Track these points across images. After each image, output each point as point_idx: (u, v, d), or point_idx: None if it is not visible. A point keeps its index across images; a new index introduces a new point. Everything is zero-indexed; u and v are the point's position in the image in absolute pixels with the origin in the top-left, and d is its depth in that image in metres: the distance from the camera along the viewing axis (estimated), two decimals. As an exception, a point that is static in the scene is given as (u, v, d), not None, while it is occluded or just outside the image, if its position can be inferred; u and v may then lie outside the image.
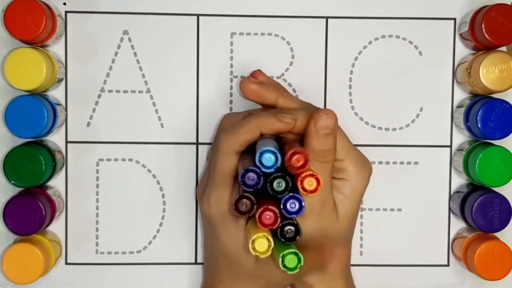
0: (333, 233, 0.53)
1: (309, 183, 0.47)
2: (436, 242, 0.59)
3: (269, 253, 0.46)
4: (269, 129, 0.51)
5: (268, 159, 0.46)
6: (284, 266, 0.46)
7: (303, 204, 0.47)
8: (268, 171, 0.46)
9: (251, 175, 0.47)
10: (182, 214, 0.59)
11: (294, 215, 0.47)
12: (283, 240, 0.47)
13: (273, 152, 0.46)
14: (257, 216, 0.46)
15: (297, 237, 0.47)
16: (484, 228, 0.56)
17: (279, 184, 0.47)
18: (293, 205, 0.47)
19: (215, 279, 0.54)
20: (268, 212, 0.46)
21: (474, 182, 0.57)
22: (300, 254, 0.46)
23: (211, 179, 0.52)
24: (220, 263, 0.53)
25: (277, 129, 0.51)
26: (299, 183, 0.47)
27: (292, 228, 0.47)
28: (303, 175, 0.47)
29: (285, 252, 0.46)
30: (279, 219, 0.46)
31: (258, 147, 0.48)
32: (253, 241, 0.46)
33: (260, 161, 0.46)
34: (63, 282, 0.58)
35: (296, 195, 0.47)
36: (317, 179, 0.47)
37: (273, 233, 0.47)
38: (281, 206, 0.47)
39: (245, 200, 0.47)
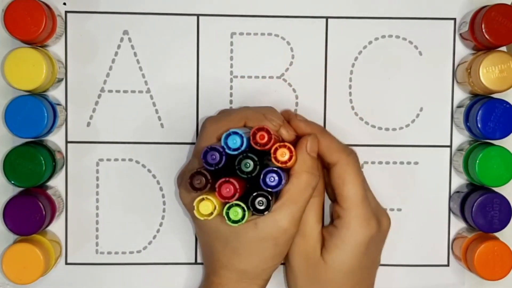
0: (316, 271, 0.53)
1: (281, 154, 0.47)
2: (436, 242, 0.59)
3: (216, 213, 0.46)
4: (253, 122, 0.51)
5: (234, 142, 0.47)
6: (231, 220, 0.47)
7: (282, 178, 0.47)
8: (233, 153, 0.47)
9: (213, 153, 0.47)
10: (182, 214, 0.59)
11: (274, 189, 0.47)
12: (252, 210, 0.47)
13: (240, 136, 0.47)
14: (216, 187, 0.46)
15: (267, 210, 0.47)
16: (484, 228, 0.56)
17: (246, 165, 0.47)
18: (272, 179, 0.47)
19: (215, 265, 0.53)
20: (228, 185, 0.46)
21: (474, 182, 0.57)
22: (244, 206, 0.47)
23: (191, 164, 0.53)
24: (216, 248, 0.53)
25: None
26: (272, 157, 0.47)
27: (264, 199, 0.47)
28: (274, 146, 0.47)
29: (227, 206, 0.47)
30: (237, 194, 0.47)
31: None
32: (197, 204, 0.46)
33: (226, 143, 0.47)
34: (63, 282, 0.58)
35: (276, 169, 0.47)
36: (290, 149, 0.47)
37: (244, 201, 0.47)
38: (261, 178, 0.47)
39: (200, 177, 0.47)
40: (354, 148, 0.56)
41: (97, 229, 0.58)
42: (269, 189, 0.48)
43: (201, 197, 0.46)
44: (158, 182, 0.59)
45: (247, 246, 0.51)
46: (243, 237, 0.51)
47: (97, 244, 0.58)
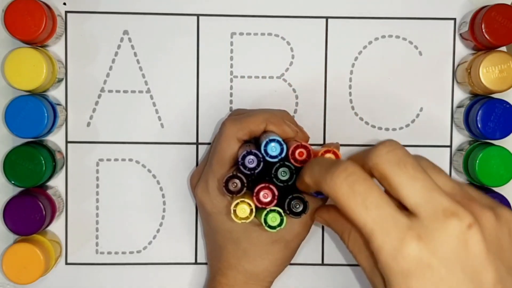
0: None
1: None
2: (436, 242, 0.59)
3: (252, 217, 0.46)
4: (274, 126, 0.51)
5: (273, 148, 0.47)
6: (268, 226, 0.47)
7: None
8: (272, 161, 0.47)
9: (252, 157, 0.47)
10: (182, 214, 0.59)
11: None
12: (289, 213, 0.47)
13: (280, 143, 0.47)
14: (254, 192, 0.46)
15: (304, 212, 0.47)
16: (484, 228, 0.56)
17: (283, 173, 0.47)
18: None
19: (223, 265, 0.53)
20: (266, 191, 0.46)
21: (474, 182, 0.57)
22: (282, 212, 0.47)
23: (209, 164, 0.52)
24: (227, 248, 0.52)
25: (281, 129, 0.51)
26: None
27: (300, 202, 0.47)
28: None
29: (266, 210, 0.47)
30: (275, 201, 0.47)
31: (264, 137, 0.48)
32: (234, 210, 0.46)
33: (265, 150, 0.46)
34: (63, 282, 0.58)
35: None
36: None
37: (279, 205, 0.47)
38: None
39: (236, 180, 0.47)
40: (354, 148, 0.56)
41: (97, 229, 0.58)
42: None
43: (238, 200, 0.46)
44: (158, 182, 0.59)
45: (258, 248, 0.51)
46: (255, 239, 0.51)
47: (97, 244, 0.59)
